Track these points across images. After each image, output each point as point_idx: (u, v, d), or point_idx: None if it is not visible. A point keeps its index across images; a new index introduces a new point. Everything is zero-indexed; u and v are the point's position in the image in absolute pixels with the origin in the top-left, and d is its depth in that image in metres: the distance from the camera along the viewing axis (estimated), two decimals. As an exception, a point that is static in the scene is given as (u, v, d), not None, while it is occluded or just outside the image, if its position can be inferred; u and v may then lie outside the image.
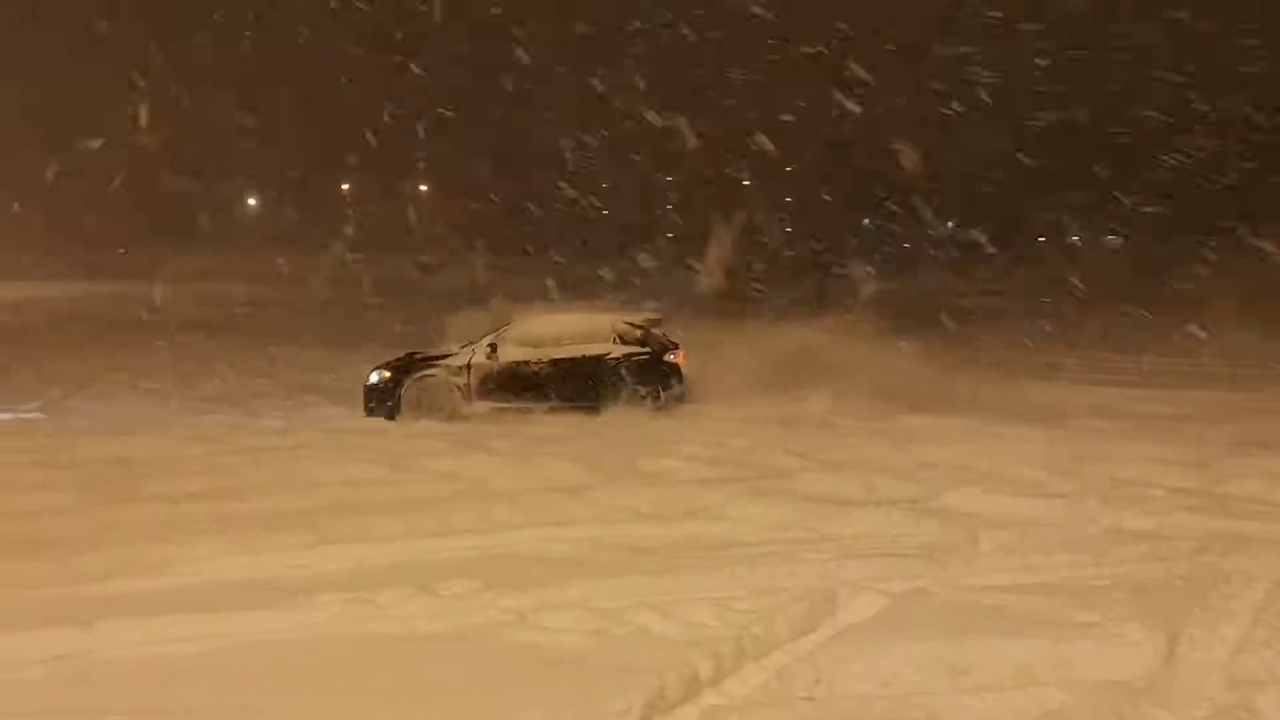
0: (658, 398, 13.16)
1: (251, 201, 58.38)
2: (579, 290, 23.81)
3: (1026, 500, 7.92)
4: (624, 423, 11.82)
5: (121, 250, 47.60)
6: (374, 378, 12.99)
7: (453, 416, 12.72)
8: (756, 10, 32.77)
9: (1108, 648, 4.69)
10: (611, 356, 13.41)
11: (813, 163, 38.07)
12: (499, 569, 6.16)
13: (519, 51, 37.62)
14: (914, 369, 14.43)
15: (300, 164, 49.51)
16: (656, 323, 14.15)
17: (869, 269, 32.35)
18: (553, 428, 11.30)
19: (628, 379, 13.24)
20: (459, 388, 12.99)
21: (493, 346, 13.15)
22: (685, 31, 36.36)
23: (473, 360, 13.08)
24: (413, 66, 42.22)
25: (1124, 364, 18.13)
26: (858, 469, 9.05)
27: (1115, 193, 35.66)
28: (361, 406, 12.89)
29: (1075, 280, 28.12)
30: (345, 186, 54.07)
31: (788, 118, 33.53)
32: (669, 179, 42.65)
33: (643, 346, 13.55)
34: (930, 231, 40.96)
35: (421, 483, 8.58)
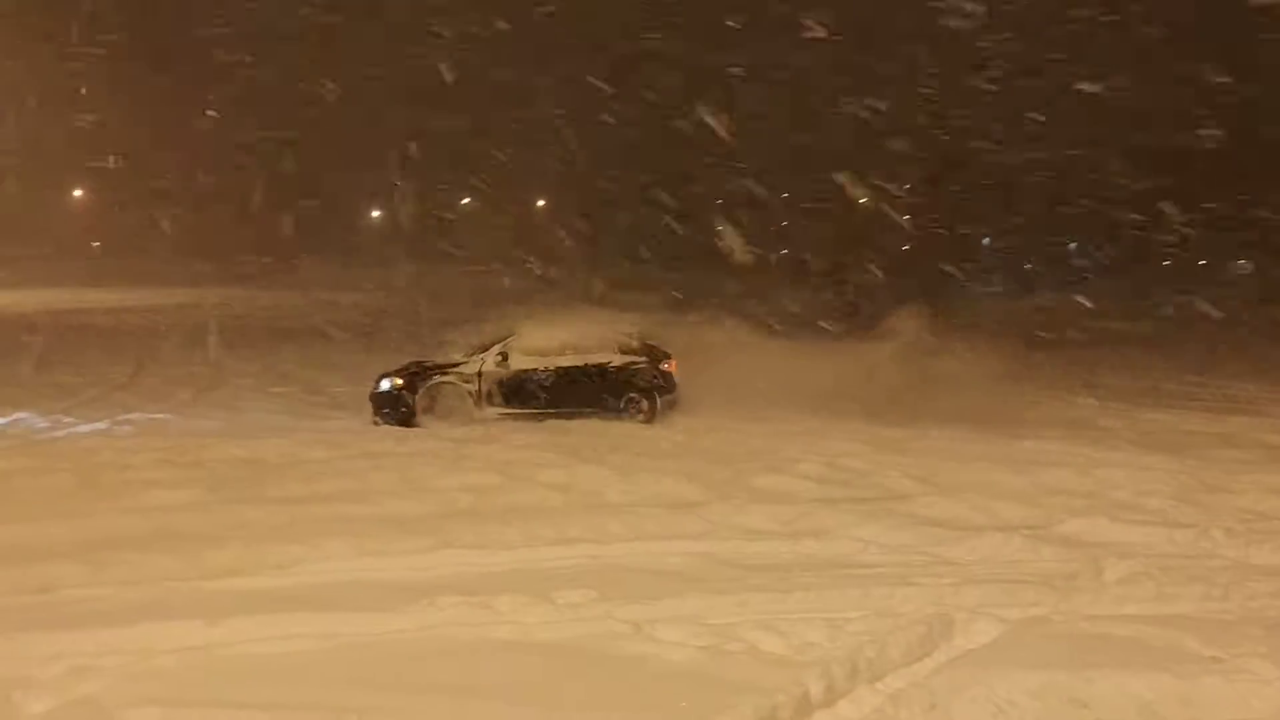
0: (653, 403, 13.94)
1: (376, 214, 59.91)
2: (693, 303, 23.90)
3: (1151, 530, 7.68)
4: (732, 439, 11.80)
5: (267, 259, 49.24)
6: (385, 385, 13.49)
7: (465, 422, 13.17)
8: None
9: (1235, 685, 4.51)
10: (613, 365, 14.17)
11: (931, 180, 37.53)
12: (613, 580, 6.21)
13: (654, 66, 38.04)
14: (1037, 393, 14.14)
15: (426, 178, 50.63)
16: (644, 334, 14.85)
17: (991, 288, 31.82)
18: (662, 443, 11.33)
19: (626, 386, 14.03)
20: (470, 394, 13.59)
21: (503, 355, 13.79)
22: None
23: (483, 369, 13.69)
24: (539, 80, 42.88)
25: (1256, 393, 17.44)
26: (977, 493, 8.88)
27: (1246, 216, 34.42)
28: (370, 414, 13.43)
29: (1204, 305, 27.21)
30: (465, 200, 55.11)
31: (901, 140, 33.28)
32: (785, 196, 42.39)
33: (639, 356, 14.32)
34: (1059, 250, 40.01)
35: (535, 492, 8.69)
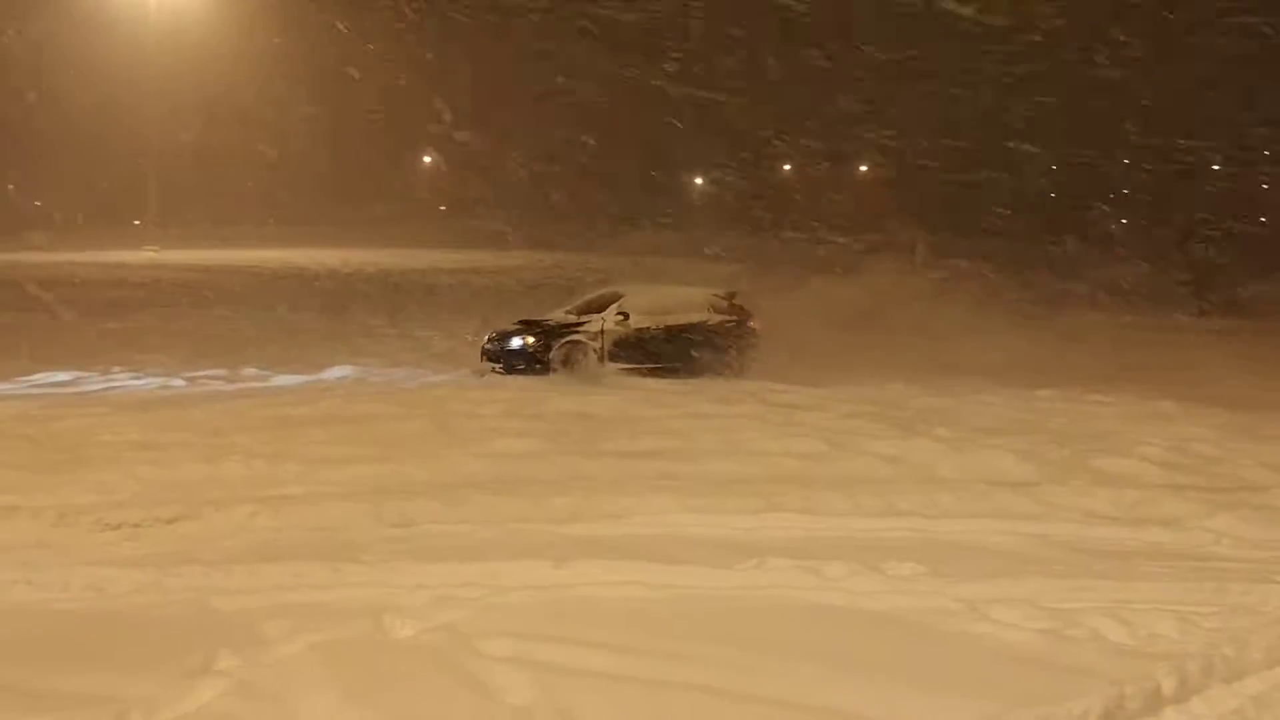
0: (744, 359, 15.24)
1: (699, 181, 60.93)
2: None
3: None
4: (1075, 419, 11.19)
5: (599, 225, 51.40)
6: (517, 342, 14.65)
7: (589, 378, 14.05)
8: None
9: None
10: (710, 323, 15.51)
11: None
12: (944, 556, 6.05)
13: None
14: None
15: (748, 145, 50.97)
16: (732, 295, 16.23)
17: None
18: (990, 420, 10.89)
19: (723, 343, 15.30)
20: (595, 351, 14.71)
21: (624, 314, 14.97)
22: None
23: (605, 327, 14.85)
24: (863, 49, 42.16)
25: None
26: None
27: None
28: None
29: None
30: (786, 167, 55.03)
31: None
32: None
33: (730, 315, 15.71)
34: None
35: (862, 462, 8.58)
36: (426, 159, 64.32)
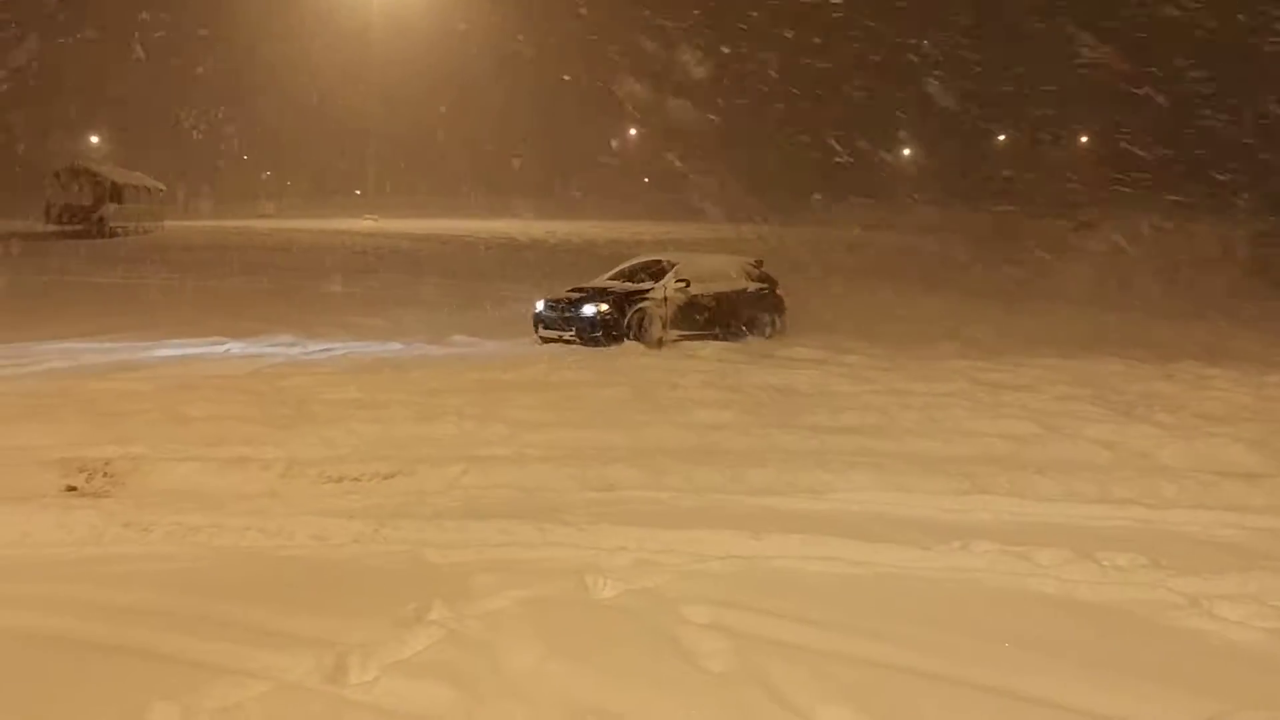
0: (773, 325, 16.31)
1: (907, 152, 59.56)
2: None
3: None
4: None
5: (817, 196, 51.22)
6: (591, 310, 14.48)
7: (653, 344, 14.31)
8: None
9: None
10: (749, 290, 16.34)
11: None
12: (1165, 547, 5.72)
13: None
14: None
15: (957, 117, 49.58)
16: (760, 263, 17.18)
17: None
18: (1216, 406, 10.22)
19: (763, 309, 16.31)
20: (660, 318, 14.80)
21: (685, 281, 15.13)
22: None
23: (667, 294, 14.95)
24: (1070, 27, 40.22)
25: None
26: None
27: None
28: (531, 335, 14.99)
29: None
30: (1001, 138, 53.13)
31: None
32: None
33: (763, 283, 16.64)
34: None
35: (1076, 446, 8.20)
36: (632, 131, 65.07)
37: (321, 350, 13.47)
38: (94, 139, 67.20)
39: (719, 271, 16.24)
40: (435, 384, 10.49)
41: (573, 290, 15.44)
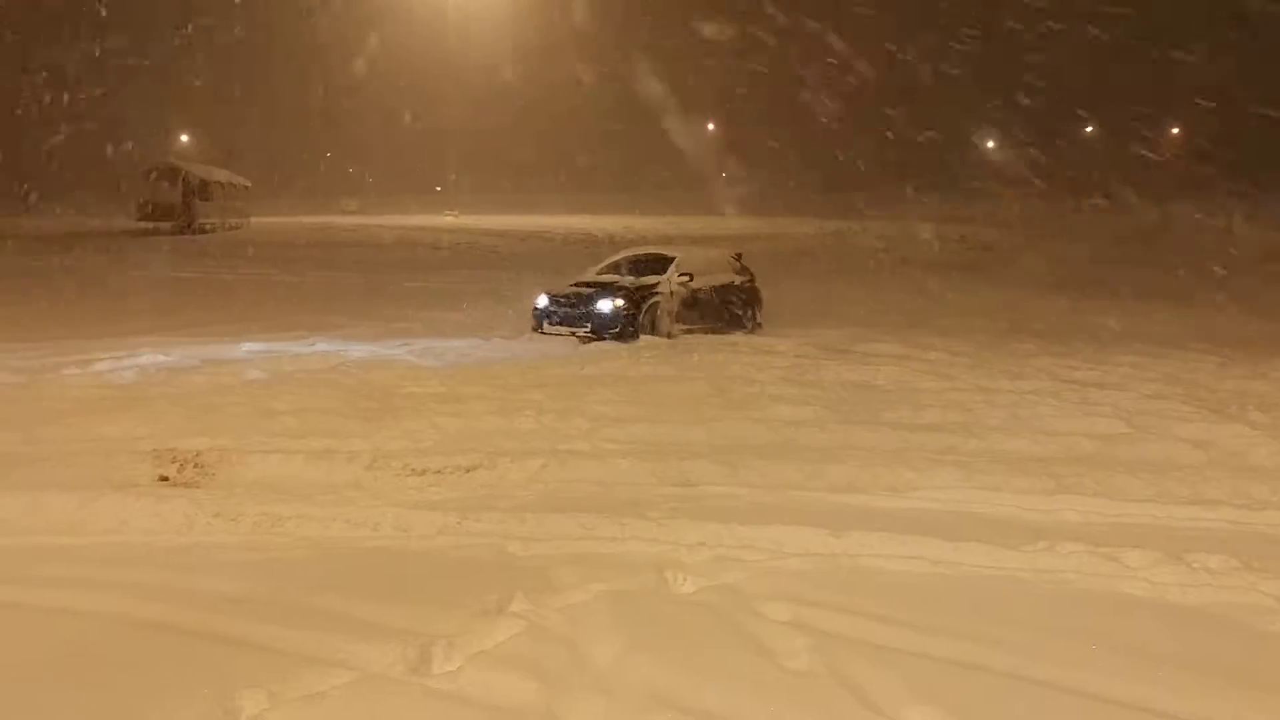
0: (754, 319, 16.03)
1: (990, 144, 58.63)
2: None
3: None
4: None
5: (909, 189, 50.87)
6: (607, 305, 14.09)
7: (664, 339, 14.15)
8: None
9: None
10: (736, 283, 16.18)
11: None
12: (1259, 550, 5.54)
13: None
14: None
15: (1045, 108, 48.73)
16: (739, 256, 16.94)
17: None
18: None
19: (750, 302, 16.09)
20: (669, 313, 14.64)
21: (689, 275, 15.00)
22: None
23: (673, 288, 14.77)
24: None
25: None
26: None
27: None
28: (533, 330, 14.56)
29: None
30: (1089, 129, 52.03)
31: None
32: None
33: (746, 276, 16.39)
34: None
35: (1165, 446, 8.00)
36: (710, 126, 64.99)
37: (403, 345, 13.65)
38: (183, 138, 69.02)
39: (714, 264, 16.19)
40: (515, 378, 10.58)
41: (578, 285, 15.16)
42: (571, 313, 14.42)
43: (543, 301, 14.77)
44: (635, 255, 16.58)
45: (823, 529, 5.68)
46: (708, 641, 4.22)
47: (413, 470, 6.97)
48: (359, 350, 12.99)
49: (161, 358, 11.56)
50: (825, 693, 3.81)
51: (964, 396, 9.92)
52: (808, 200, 48.94)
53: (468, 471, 6.98)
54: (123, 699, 3.73)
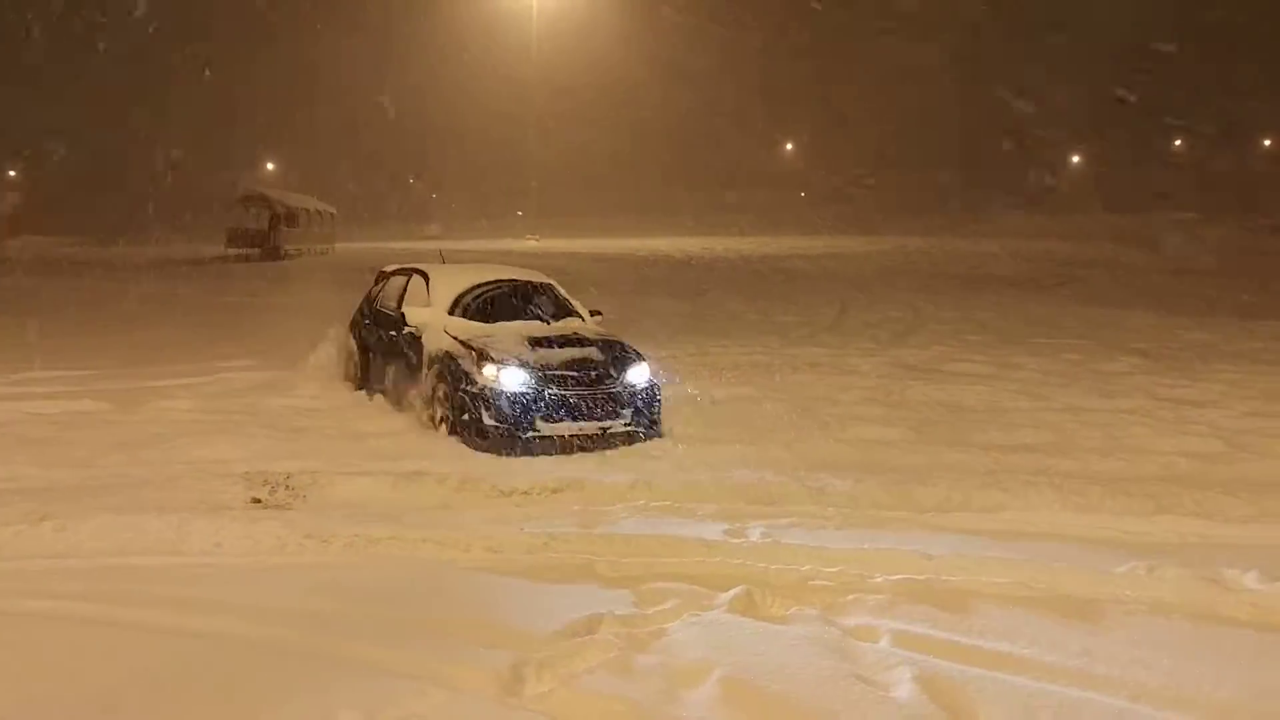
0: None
1: (1075, 159, 57.62)
2: None
3: None
4: None
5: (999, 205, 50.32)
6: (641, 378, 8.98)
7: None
8: None
9: None
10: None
11: None
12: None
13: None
14: None
15: (1128, 123, 47.80)
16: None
17: None
18: None
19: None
20: None
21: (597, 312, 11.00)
22: None
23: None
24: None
25: None
26: None
27: None
28: None
29: None
30: (1178, 143, 50.89)
31: None
32: None
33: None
34: None
35: (1269, 464, 7.77)
36: (789, 146, 64.88)
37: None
38: (269, 165, 70.78)
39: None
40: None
41: (538, 344, 9.04)
42: (584, 397, 8.58)
43: (514, 378, 8.49)
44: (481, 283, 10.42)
45: (913, 550, 5.61)
46: (800, 664, 4.15)
47: (500, 491, 7.03)
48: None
49: (248, 381, 11.75)
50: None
51: (1056, 417, 9.73)
52: (880, 219, 48.59)
53: (554, 492, 7.02)
54: (223, 717, 3.80)
